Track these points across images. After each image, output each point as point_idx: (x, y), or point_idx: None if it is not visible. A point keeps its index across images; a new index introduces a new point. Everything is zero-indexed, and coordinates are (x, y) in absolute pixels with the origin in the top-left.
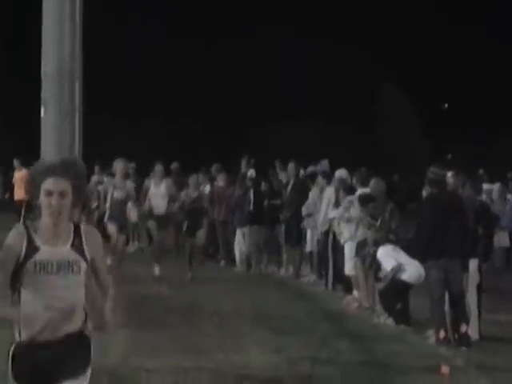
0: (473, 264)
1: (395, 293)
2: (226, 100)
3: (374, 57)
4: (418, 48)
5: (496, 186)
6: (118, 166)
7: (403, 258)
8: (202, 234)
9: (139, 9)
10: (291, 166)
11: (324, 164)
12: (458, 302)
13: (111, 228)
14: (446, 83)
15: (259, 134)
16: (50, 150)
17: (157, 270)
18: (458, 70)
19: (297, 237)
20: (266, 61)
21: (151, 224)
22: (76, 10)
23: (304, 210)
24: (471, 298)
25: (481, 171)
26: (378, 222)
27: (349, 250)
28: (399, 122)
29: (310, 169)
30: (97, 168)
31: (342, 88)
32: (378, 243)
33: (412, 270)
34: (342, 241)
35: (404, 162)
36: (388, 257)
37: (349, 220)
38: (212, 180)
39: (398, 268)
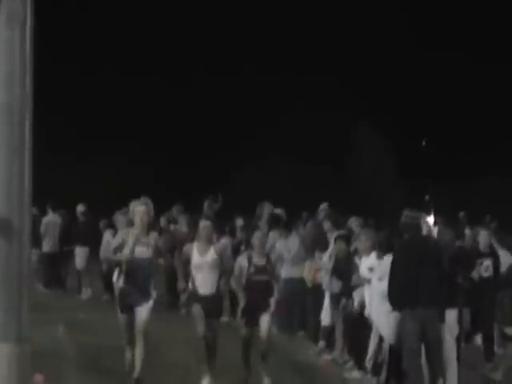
0: (450, 314)
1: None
2: (194, 140)
3: (345, 92)
4: (393, 80)
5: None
6: (138, 209)
7: None
8: (266, 323)
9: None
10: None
11: (323, 209)
12: (435, 355)
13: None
14: (423, 118)
15: (225, 177)
16: None
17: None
18: (436, 102)
19: None
20: (239, 101)
21: (195, 310)
22: (26, 43)
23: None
24: (450, 350)
25: (461, 214)
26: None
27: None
28: (373, 160)
29: (277, 211)
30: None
31: (314, 126)
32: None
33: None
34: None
35: (379, 204)
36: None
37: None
38: (170, 223)
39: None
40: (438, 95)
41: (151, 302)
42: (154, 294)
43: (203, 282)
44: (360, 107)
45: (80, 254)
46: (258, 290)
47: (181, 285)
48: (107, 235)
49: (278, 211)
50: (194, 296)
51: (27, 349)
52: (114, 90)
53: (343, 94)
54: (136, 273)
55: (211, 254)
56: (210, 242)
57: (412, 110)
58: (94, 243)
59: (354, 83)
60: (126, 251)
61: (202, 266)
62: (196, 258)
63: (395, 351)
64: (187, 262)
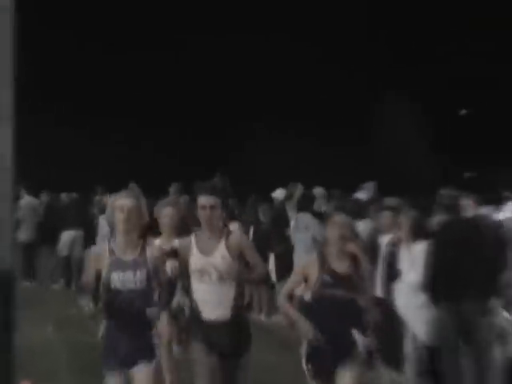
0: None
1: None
2: (207, 112)
3: (373, 60)
4: (429, 43)
5: None
6: (119, 204)
7: None
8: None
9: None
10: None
11: (369, 187)
12: (481, 354)
13: None
14: (463, 86)
15: (240, 148)
16: None
17: None
18: (477, 67)
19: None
20: (255, 67)
21: (199, 354)
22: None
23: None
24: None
25: (506, 193)
26: None
27: None
28: (404, 134)
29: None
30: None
31: (339, 97)
32: None
33: None
34: None
35: (412, 182)
36: None
37: None
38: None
39: None
40: (480, 60)
41: (154, 363)
42: (157, 348)
43: (210, 299)
44: (391, 70)
45: (62, 238)
46: (336, 316)
47: (178, 302)
48: (102, 222)
49: (318, 190)
50: (196, 324)
51: (12, 355)
52: (105, 66)
53: (373, 60)
54: (123, 314)
55: (222, 251)
56: (218, 231)
57: (451, 75)
58: (85, 228)
59: (385, 49)
60: (91, 280)
61: (207, 271)
62: (196, 258)
63: (432, 351)
64: (185, 264)
